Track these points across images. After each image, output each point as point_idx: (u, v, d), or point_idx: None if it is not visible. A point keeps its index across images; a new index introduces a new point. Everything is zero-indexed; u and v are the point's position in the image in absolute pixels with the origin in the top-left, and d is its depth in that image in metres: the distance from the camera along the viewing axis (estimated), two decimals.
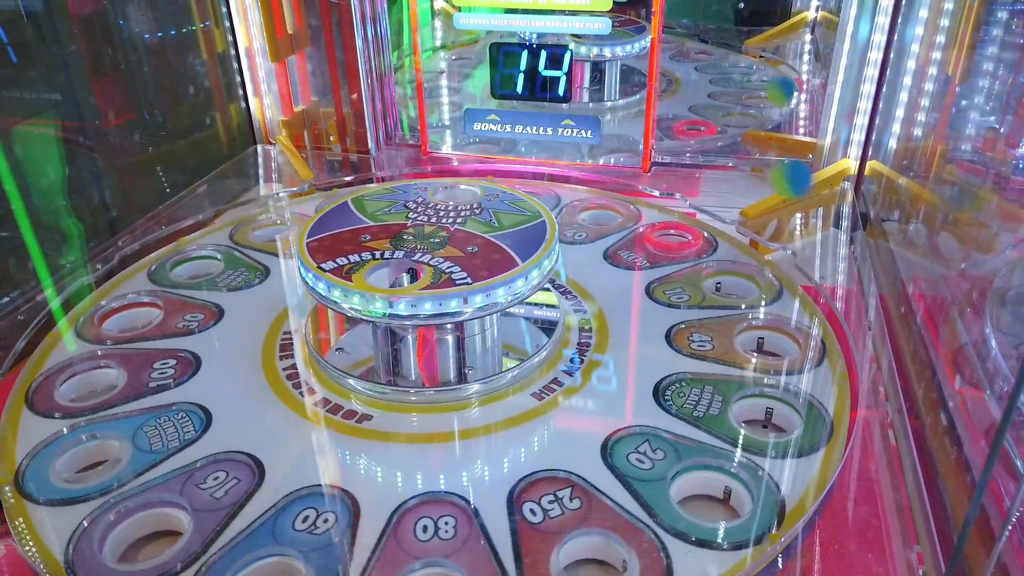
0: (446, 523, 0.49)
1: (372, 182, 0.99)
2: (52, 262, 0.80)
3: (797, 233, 0.85)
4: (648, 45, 1.10)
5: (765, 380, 0.60)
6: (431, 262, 0.58)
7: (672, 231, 0.82)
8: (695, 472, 0.52)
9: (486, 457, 0.55)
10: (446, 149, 1.04)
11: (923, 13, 0.84)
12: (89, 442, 0.56)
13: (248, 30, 1.03)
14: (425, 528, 0.49)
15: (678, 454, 0.53)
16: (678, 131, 1.08)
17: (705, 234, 0.81)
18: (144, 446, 0.55)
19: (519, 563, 0.46)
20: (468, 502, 0.50)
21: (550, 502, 0.50)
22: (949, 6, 0.81)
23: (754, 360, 0.62)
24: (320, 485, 0.52)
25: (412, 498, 0.51)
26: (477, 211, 0.66)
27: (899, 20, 0.85)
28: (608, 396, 0.60)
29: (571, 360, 0.64)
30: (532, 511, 0.49)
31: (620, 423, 0.56)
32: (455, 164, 1.02)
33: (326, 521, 0.49)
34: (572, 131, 0.96)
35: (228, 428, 0.57)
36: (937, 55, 0.83)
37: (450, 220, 0.65)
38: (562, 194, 0.91)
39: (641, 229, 0.83)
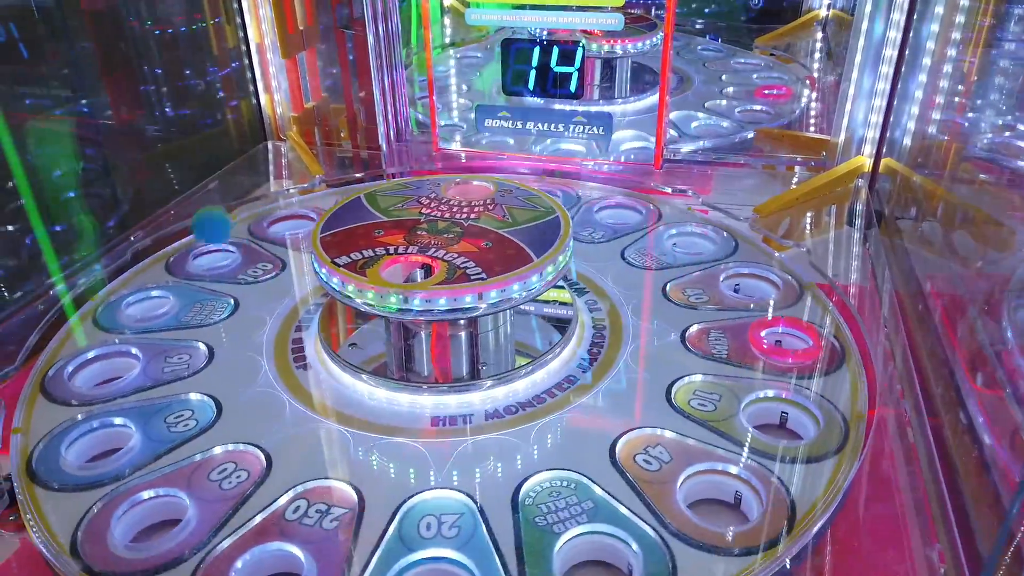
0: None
1: (383, 179, 0.98)
2: (64, 257, 0.80)
3: (810, 231, 0.85)
4: (659, 42, 1.10)
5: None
6: (445, 257, 0.58)
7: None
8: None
9: (495, 455, 0.54)
10: (456, 146, 1.04)
11: (939, 10, 0.83)
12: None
13: (259, 26, 1.03)
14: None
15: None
16: (759, 94, 1.17)
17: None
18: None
19: (521, 563, 0.45)
20: (474, 500, 0.50)
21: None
22: (965, 3, 0.80)
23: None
24: (327, 478, 0.52)
25: (416, 493, 0.50)
26: (491, 207, 0.66)
27: (915, 17, 0.84)
28: (618, 396, 0.59)
29: (582, 359, 0.63)
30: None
31: (630, 423, 0.56)
32: (463, 160, 1.02)
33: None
34: (583, 128, 0.95)
35: (237, 420, 0.57)
36: (953, 52, 0.83)
37: (463, 215, 0.64)
38: (582, 193, 0.91)
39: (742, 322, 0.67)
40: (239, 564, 0.46)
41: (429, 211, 0.65)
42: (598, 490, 0.50)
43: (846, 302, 0.69)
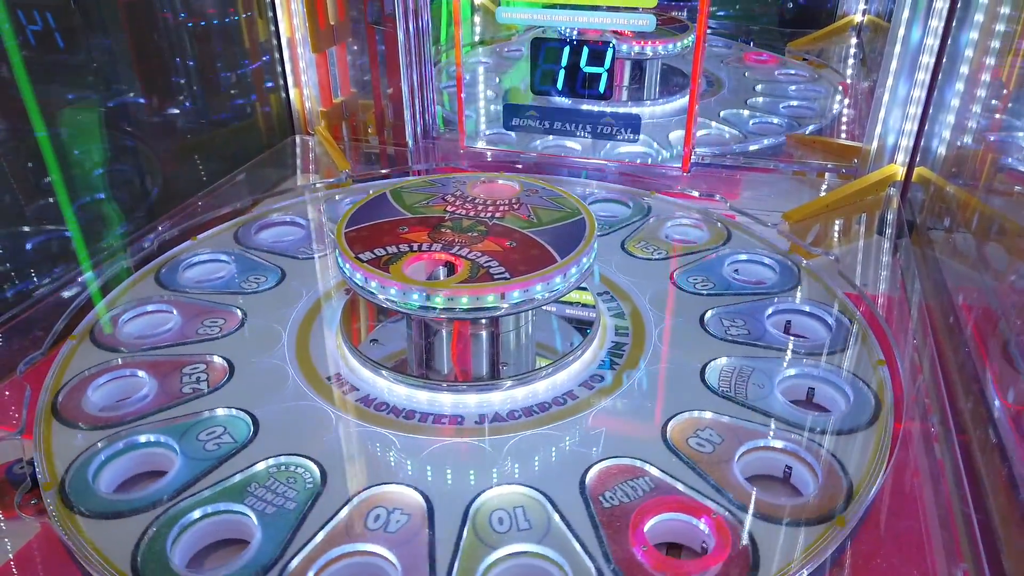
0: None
1: (409, 175, 0.98)
2: (92, 246, 0.80)
3: (839, 239, 0.83)
4: (691, 44, 1.09)
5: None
6: (469, 256, 0.58)
7: None
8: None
9: (555, 447, 0.54)
10: (483, 144, 1.04)
11: (979, 17, 0.81)
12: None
13: (291, 20, 1.03)
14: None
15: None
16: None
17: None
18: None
19: (603, 545, 0.46)
20: (544, 493, 0.50)
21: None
22: (1005, 11, 0.79)
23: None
24: (388, 483, 0.51)
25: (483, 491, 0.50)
26: (516, 206, 0.66)
27: (953, 24, 0.82)
28: (656, 385, 0.60)
29: (606, 356, 0.63)
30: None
31: (676, 409, 0.57)
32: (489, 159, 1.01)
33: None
34: (612, 129, 0.95)
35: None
36: (991, 61, 0.81)
37: (488, 215, 0.64)
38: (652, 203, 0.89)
39: None
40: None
41: (454, 209, 0.65)
42: (656, 472, 0.51)
43: (874, 312, 0.68)
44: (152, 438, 0.54)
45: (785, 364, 0.61)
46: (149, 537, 0.47)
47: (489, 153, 1.02)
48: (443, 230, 0.61)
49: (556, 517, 0.48)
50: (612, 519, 0.48)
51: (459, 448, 0.54)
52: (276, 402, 0.58)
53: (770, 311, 0.68)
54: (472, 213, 0.64)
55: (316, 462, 0.52)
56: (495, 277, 0.55)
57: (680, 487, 0.50)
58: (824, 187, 0.93)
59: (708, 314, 0.68)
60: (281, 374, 0.61)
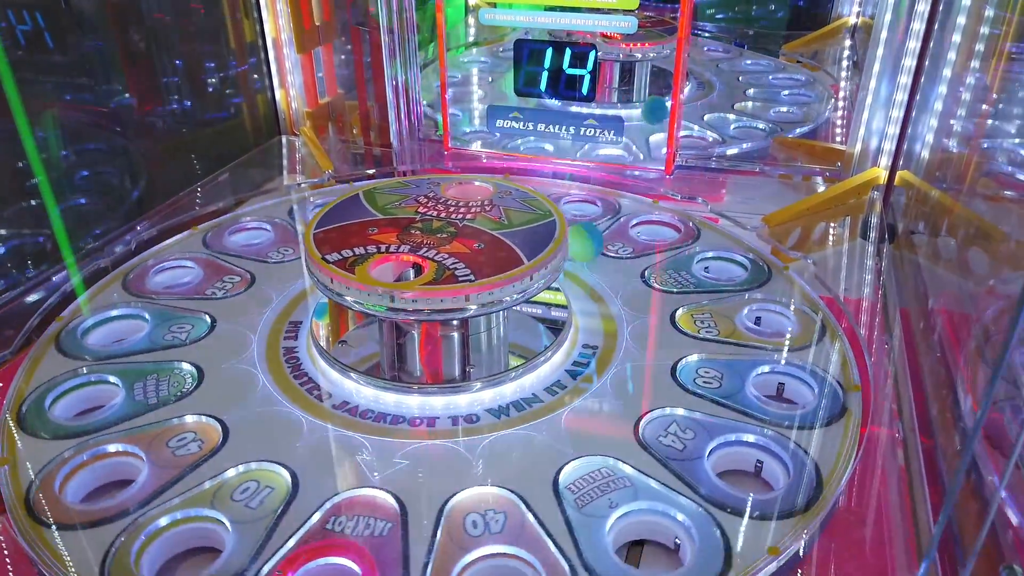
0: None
1: (393, 176, 0.98)
2: (71, 244, 0.80)
3: (821, 243, 0.83)
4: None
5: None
6: (435, 257, 0.58)
7: None
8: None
9: (526, 447, 0.54)
10: (468, 145, 1.03)
11: (961, 20, 0.81)
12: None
13: (276, 21, 1.03)
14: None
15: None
16: None
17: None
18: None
19: (577, 546, 0.46)
20: (517, 494, 0.49)
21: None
22: (989, 13, 0.78)
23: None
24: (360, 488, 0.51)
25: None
26: (488, 208, 0.65)
27: (935, 27, 0.82)
28: (626, 383, 0.60)
29: (584, 348, 0.63)
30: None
31: (647, 406, 0.57)
32: (480, 160, 1.01)
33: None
34: (595, 131, 0.94)
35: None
36: (975, 64, 0.81)
37: (459, 216, 0.64)
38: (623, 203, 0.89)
39: None
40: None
41: (425, 210, 0.65)
42: (630, 470, 0.51)
43: (848, 318, 0.67)
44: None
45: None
46: (116, 547, 0.46)
47: (474, 154, 1.01)
48: (412, 231, 0.61)
49: (530, 517, 0.48)
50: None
51: (432, 451, 0.54)
52: (246, 408, 0.58)
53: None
54: (443, 215, 0.64)
55: (287, 468, 0.52)
56: (459, 279, 0.55)
57: (653, 484, 0.50)
58: (803, 190, 0.93)
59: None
60: (250, 379, 0.61)
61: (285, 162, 1.07)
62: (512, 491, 0.50)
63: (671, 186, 0.92)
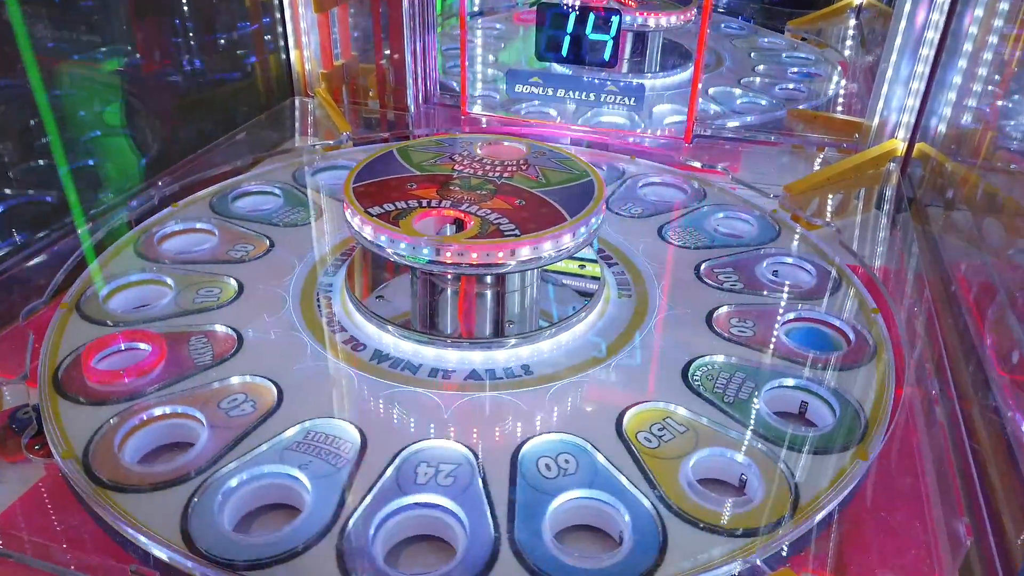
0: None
1: (409, 139, 0.98)
2: (91, 200, 0.79)
3: (838, 212, 0.84)
4: (693, 17, 1.09)
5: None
6: (478, 212, 0.58)
7: None
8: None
9: (498, 414, 0.54)
10: (479, 109, 1.03)
11: None
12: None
13: None
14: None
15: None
16: None
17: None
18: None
19: (512, 520, 0.45)
20: (475, 454, 0.49)
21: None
22: None
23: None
24: (332, 416, 0.52)
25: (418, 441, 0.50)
26: (524, 167, 0.65)
27: (958, 2, 0.83)
28: (633, 370, 0.58)
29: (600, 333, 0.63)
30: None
31: (640, 397, 0.55)
32: (484, 125, 1.01)
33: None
34: (615, 98, 0.95)
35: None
36: (995, 40, 0.82)
37: (496, 174, 0.64)
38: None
39: None
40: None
41: (462, 168, 0.65)
42: (600, 458, 0.49)
43: (875, 281, 0.69)
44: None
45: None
46: (193, 505, 0.46)
47: (484, 119, 1.01)
48: (452, 188, 0.61)
49: (479, 481, 0.47)
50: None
51: (492, 402, 0.54)
52: (296, 368, 0.57)
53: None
54: (480, 172, 0.64)
55: (355, 425, 0.51)
56: (505, 234, 0.55)
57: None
58: (818, 161, 0.94)
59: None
60: (296, 340, 0.60)
61: (298, 124, 1.06)
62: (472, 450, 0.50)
63: (690, 155, 0.92)
